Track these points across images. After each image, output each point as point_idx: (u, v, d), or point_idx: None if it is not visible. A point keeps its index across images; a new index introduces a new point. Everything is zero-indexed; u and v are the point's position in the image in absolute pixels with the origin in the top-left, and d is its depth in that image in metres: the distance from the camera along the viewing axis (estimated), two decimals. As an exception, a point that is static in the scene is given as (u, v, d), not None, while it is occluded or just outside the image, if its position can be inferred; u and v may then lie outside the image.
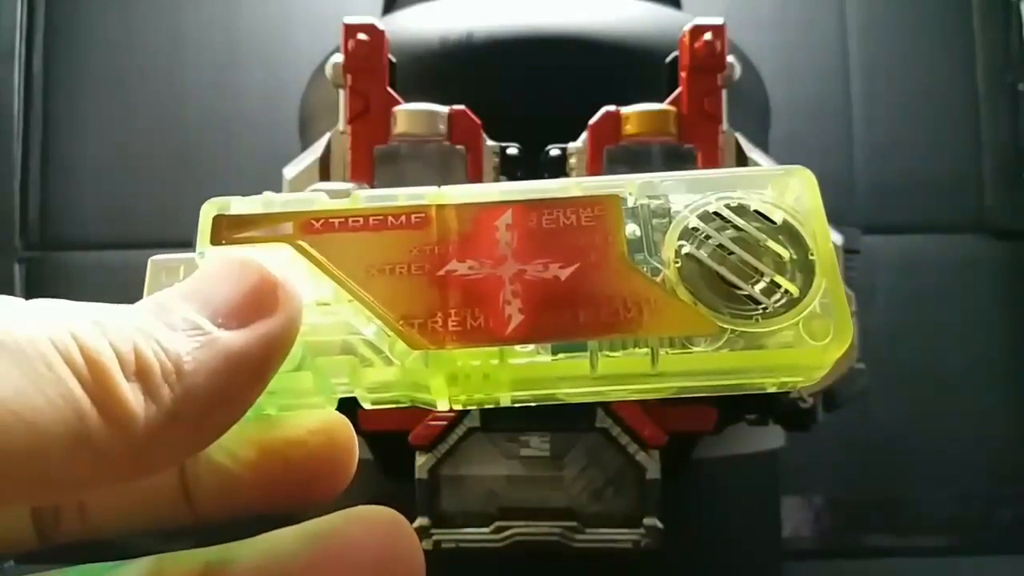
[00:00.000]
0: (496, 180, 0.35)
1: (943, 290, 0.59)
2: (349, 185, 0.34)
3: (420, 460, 0.32)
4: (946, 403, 0.58)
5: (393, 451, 0.33)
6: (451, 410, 0.16)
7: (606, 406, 0.32)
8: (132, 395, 0.12)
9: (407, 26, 0.40)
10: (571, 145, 0.35)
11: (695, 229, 0.16)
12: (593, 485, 0.32)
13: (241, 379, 0.13)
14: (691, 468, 0.34)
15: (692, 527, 0.36)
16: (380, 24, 0.35)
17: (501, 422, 0.32)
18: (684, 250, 0.15)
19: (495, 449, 0.33)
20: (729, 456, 0.37)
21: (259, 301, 0.13)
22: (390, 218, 0.16)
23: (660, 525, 0.32)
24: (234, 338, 0.13)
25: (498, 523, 0.32)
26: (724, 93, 0.35)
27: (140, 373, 0.12)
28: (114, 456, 0.12)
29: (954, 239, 0.60)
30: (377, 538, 0.13)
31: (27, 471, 0.11)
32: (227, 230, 0.15)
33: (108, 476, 0.12)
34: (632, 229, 0.16)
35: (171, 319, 0.13)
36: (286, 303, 0.14)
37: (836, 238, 0.35)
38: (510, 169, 0.35)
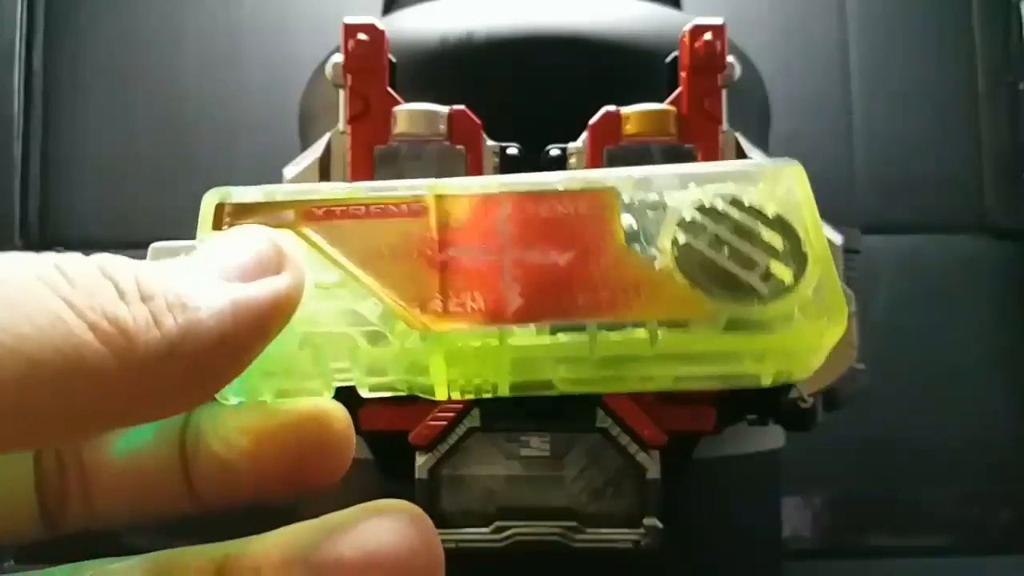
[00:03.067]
0: (496, 180, 0.35)
1: (943, 290, 0.59)
2: (350, 185, 0.34)
3: (420, 460, 0.32)
4: (946, 403, 0.58)
5: (393, 451, 0.33)
6: (449, 399, 0.16)
7: (606, 406, 0.32)
8: (131, 316, 0.11)
9: (407, 26, 0.40)
10: (571, 145, 0.35)
11: (691, 221, 0.16)
12: (593, 485, 0.32)
13: (245, 327, 0.13)
14: (691, 468, 0.34)
15: (692, 527, 0.36)
16: (380, 24, 0.35)
17: (501, 422, 0.32)
18: (681, 239, 0.16)
19: (495, 449, 0.33)
20: (729, 456, 0.37)
21: (265, 262, 0.14)
22: (391, 206, 0.16)
23: (660, 525, 0.32)
24: (240, 287, 0.13)
25: (498, 523, 0.32)
26: (724, 93, 0.35)
27: (143, 298, 0.12)
28: (113, 383, 0.11)
29: (954, 239, 0.60)
30: (399, 531, 0.13)
31: (19, 403, 0.11)
32: (229, 217, 0.16)
33: (108, 409, 0.12)
34: (628, 222, 0.16)
35: (178, 266, 0.13)
36: (291, 267, 0.14)
37: (836, 238, 0.35)
38: (510, 169, 0.35)
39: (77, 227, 0.61)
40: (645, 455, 0.32)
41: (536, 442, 0.33)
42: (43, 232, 0.61)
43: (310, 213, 0.16)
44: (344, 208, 0.16)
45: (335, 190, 0.16)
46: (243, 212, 0.16)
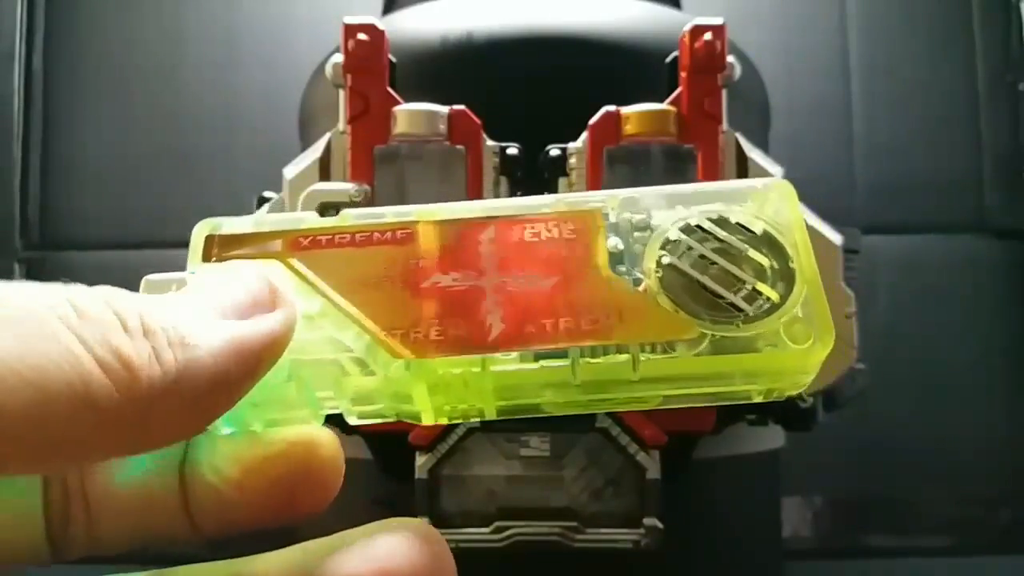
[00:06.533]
0: (496, 180, 0.35)
1: (943, 290, 0.59)
2: (349, 185, 0.34)
3: (420, 460, 0.32)
4: (946, 403, 0.58)
5: (393, 451, 0.33)
6: (436, 424, 0.16)
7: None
8: (135, 352, 0.12)
9: (407, 26, 0.40)
10: (571, 145, 0.35)
11: (676, 241, 0.16)
12: (593, 485, 0.32)
13: (240, 363, 0.13)
14: (691, 468, 0.34)
15: (692, 527, 0.36)
16: (380, 24, 0.35)
17: (501, 422, 0.32)
18: (665, 260, 0.16)
19: (495, 449, 0.33)
20: (729, 456, 0.37)
21: (258, 299, 0.14)
22: (376, 234, 0.16)
23: (660, 525, 0.32)
24: (236, 325, 0.13)
25: (498, 523, 0.32)
26: (724, 93, 0.35)
27: (146, 334, 0.12)
28: (116, 415, 0.12)
29: (954, 239, 0.60)
30: (410, 548, 0.13)
31: (30, 430, 0.11)
32: (218, 248, 0.16)
33: (110, 439, 0.12)
34: (614, 243, 0.16)
35: (177, 303, 0.13)
36: (283, 303, 0.14)
37: (836, 238, 0.35)
38: (510, 169, 0.35)
39: (77, 227, 0.61)
40: (645, 455, 0.32)
41: (536, 442, 0.33)
42: (43, 232, 0.61)
43: (296, 243, 0.16)
44: (330, 237, 0.16)
45: (323, 219, 0.16)
46: (232, 243, 0.16)
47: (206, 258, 0.16)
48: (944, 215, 0.60)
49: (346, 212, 0.16)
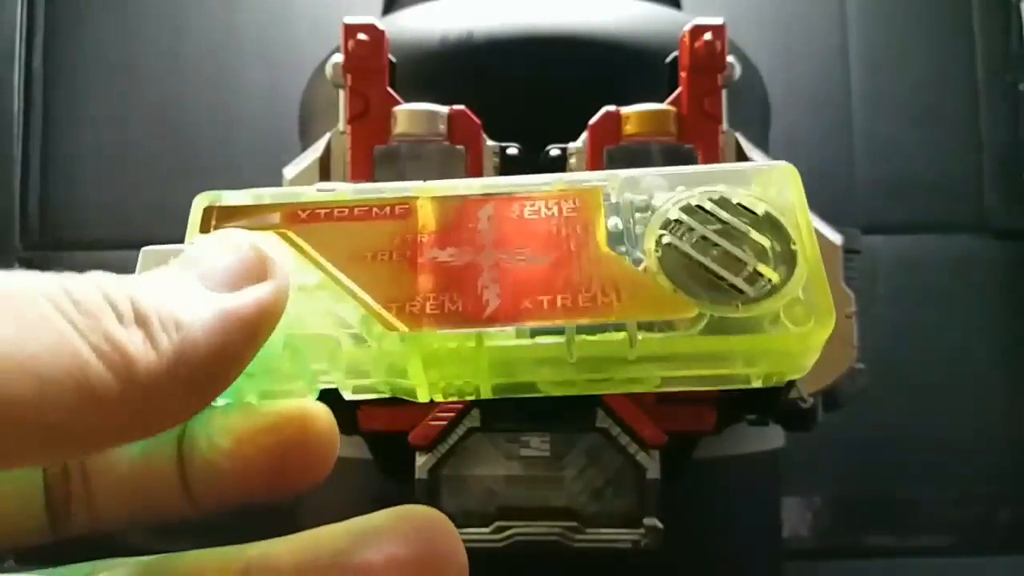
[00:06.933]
0: (496, 180, 0.35)
1: (943, 290, 0.59)
2: (349, 185, 0.34)
3: (420, 460, 0.32)
4: (946, 403, 0.58)
5: (393, 451, 0.33)
6: (432, 401, 0.16)
7: (606, 406, 0.32)
8: (130, 340, 0.12)
9: (407, 26, 0.40)
10: (571, 145, 0.35)
11: (677, 221, 0.16)
12: (593, 485, 0.32)
13: (236, 337, 0.13)
14: (691, 468, 0.34)
15: (692, 527, 0.36)
16: (380, 24, 0.35)
17: (501, 422, 0.32)
18: (665, 240, 0.16)
19: (495, 449, 0.33)
20: (729, 456, 0.37)
21: (251, 269, 0.14)
22: (375, 209, 0.16)
23: (660, 525, 0.31)
24: (228, 298, 0.13)
25: (498, 523, 0.32)
26: (724, 93, 0.35)
27: (139, 321, 0.12)
28: (116, 404, 0.12)
29: (954, 239, 0.60)
30: (424, 537, 0.13)
31: (31, 420, 0.11)
32: (216, 221, 0.16)
33: (112, 428, 0.12)
34: (615, 223, 0.16)
35: (168, 281, 0.13)
36: (276, 273, 0.14)
37: (836, 238, 0.35)
38: (510, 169, 0.35)
39: (77, 227, 0.61)
40: (645, 455, 0.32)
41: (536, 442, 0.33)
42: (43, 232, 0.61)
43: (295, 216, 0.16)
44: (329, 211, 0.16)
45: (321, 192, 0.16)
46: (230, 215, 0.16)
47: (204, 230, 0.16)
48: (944, 215, 0.60)
49: (345, 186, 0.17)
